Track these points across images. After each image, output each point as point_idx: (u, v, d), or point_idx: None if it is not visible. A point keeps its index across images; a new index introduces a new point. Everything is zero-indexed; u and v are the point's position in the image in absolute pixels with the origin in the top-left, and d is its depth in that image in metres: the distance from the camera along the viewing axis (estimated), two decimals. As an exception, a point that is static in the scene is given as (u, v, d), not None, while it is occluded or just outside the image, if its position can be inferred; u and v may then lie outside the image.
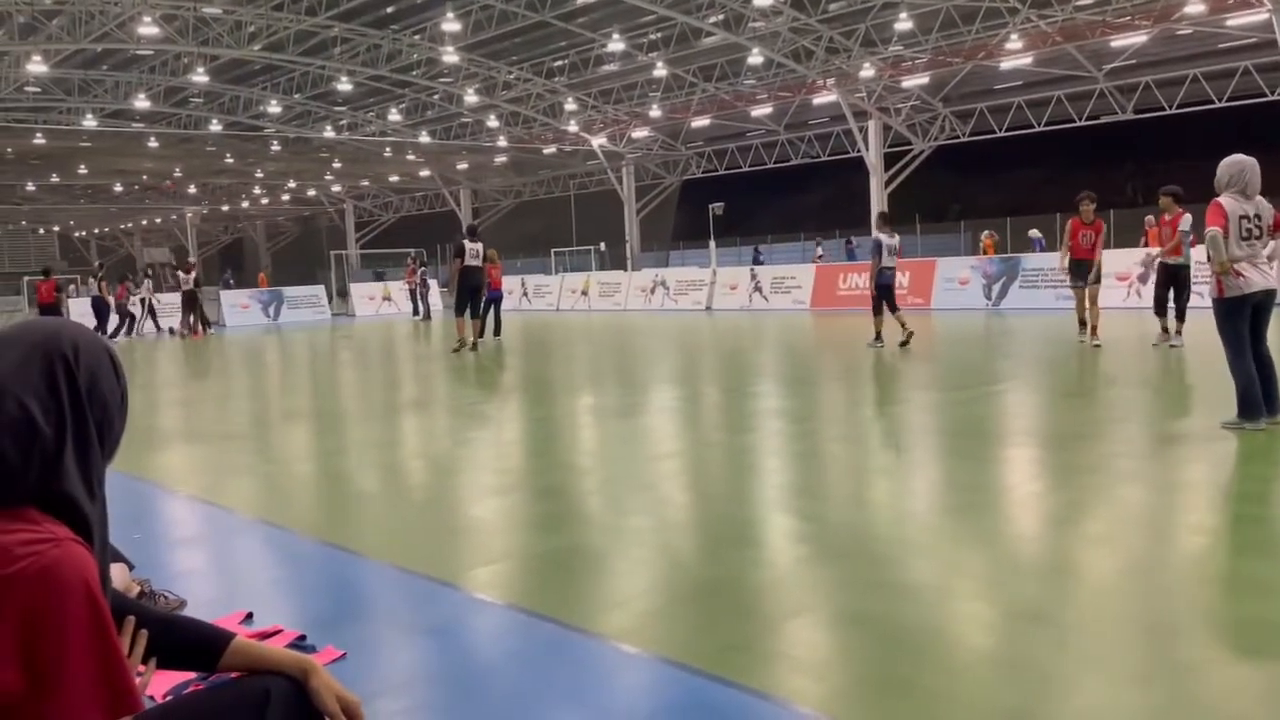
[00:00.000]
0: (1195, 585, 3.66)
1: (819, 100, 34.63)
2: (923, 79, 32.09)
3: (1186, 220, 10.81)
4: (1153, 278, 12.01)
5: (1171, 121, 31.49)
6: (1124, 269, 17.92)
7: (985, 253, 24.50)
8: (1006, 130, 34.19)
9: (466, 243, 15.89)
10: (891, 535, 4.47)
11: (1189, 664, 2.96)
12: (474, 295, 15.69)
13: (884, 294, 12.77)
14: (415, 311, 28.60)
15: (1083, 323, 11.73)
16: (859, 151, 34.61)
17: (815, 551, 4.30)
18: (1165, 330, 11.13)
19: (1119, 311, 16.99)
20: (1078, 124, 32.83)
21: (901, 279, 21.77)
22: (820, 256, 33.18)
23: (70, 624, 1.26)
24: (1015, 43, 28.18)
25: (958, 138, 35.50)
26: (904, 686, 2.85)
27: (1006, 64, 29.87)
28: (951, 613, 3.46)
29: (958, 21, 27.89)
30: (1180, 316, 11.14)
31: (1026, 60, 29.45)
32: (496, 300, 17.64)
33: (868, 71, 31.12)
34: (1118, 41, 28.13)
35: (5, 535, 1.28)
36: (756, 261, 29.37)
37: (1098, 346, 11.15)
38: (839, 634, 3.35)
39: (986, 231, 30.14)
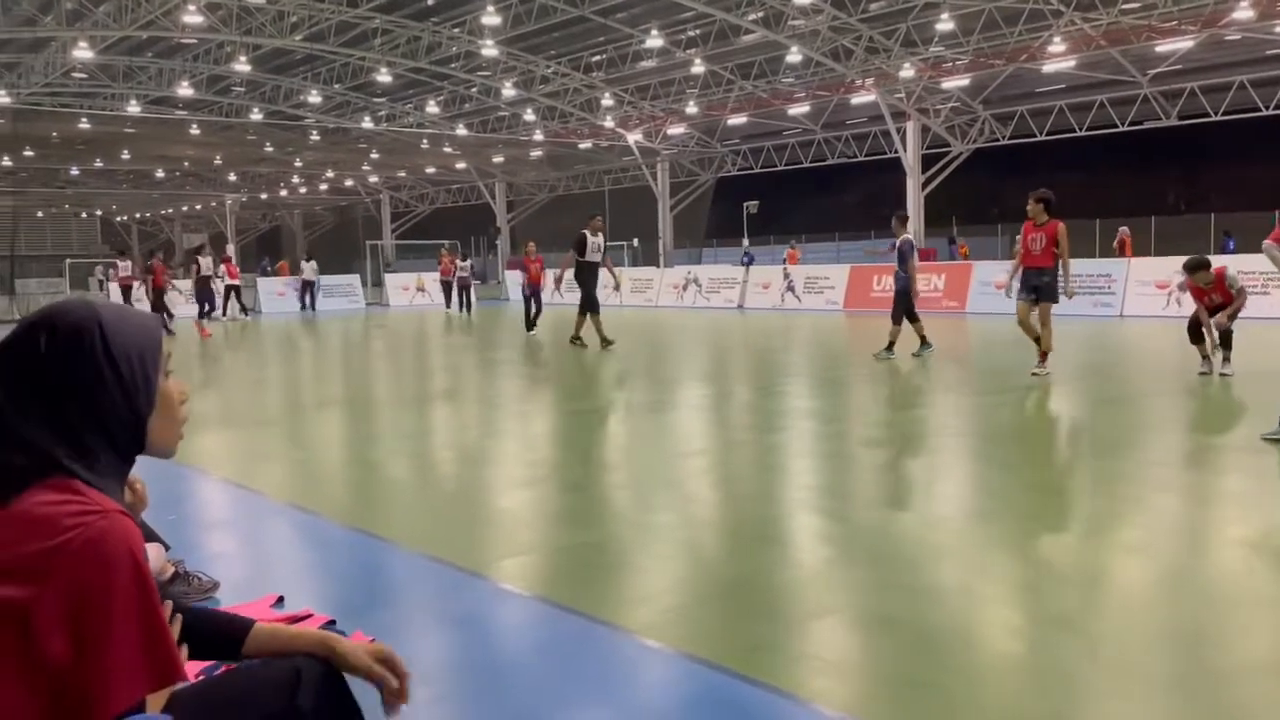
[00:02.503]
0: (1230, 597, 3.61)
1: (857, 100, 34.42)
2: (963, 80, 31.80)
3: (1232, 274, 9.34)
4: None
5: (1216, 128, 31.01)
6: (1163, 277, 17.70)
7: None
8: (1047, 134, 33.81)
9: (589, 235, 14.64)
10: (920, 538, 4.44)
11: (1221, 675, 2.92)
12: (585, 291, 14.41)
13: (907, 300, 12.03)
14: (448, 304, 27.86)
15: (1039, 343, 9.85)
16: (896, 152, 34.36)
17: (843, 552, 4.28)
18: (1206, 358, 9.49)
19: (1155, 320, 16.78)
20: (1120, 129, 32.41)
21: (937, 281, 21.70)
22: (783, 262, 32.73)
23: (116, 595, 1.28)
24: (1058, 45, 27.85)
25: (997, 140, 35.15)
26: (930, 690, 2.84)
27: (1049, 67, 29.53)
28: (980, 618, 3.43)
29: (1000, 23, 27.61)
30: (1226, 343, 9.37)
31: (1069, 64, 29.09)
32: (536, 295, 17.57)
33: (907, 72, 30.89)
34: (1163, 46, 27.72)
35: (54, 506, 1.31)
36: (743, 263, 28.82)
37: (1035, 375, 9.58)
38: (865, 636, 3.33)
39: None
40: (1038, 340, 9.87)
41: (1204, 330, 9.53)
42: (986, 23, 27.70)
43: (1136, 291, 18.33)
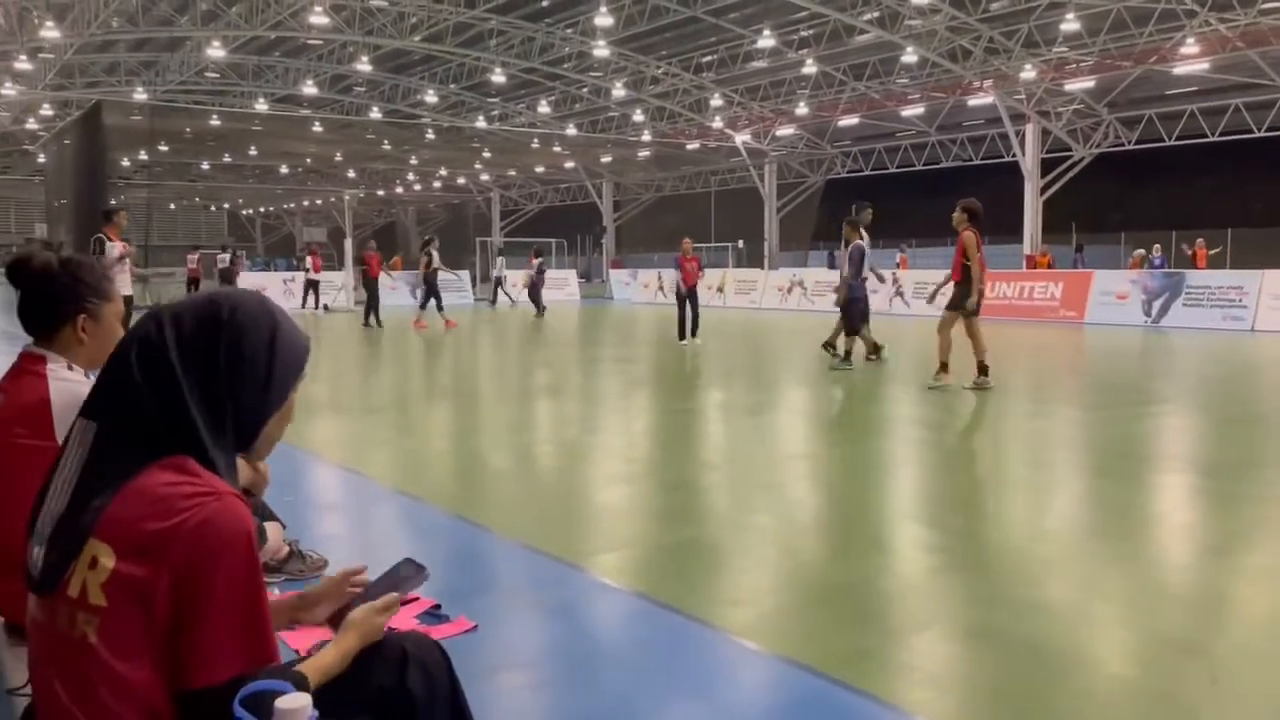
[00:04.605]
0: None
1: (974, 102, 33.50)
2: (1088, 83, 30.63)
3: None
4: None
5: (1362, 135, 29.20)
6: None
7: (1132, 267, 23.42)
8: (1176, 139, 32.34)
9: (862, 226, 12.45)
10: (1030, 552, 4.30)
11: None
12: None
13: (862, 307, 11.66)
14: (537, 306, 24.18)
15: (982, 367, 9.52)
16: (1014, 156, 33.35)
17: (948, 562, 4.18)
18: None
19: (1292, 335, 15.92)
20: (1256, 135, 30.76)
21: (1054, 290, 20.98)
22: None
23: (221, 575, 1.33)
24: (1191, 47, 26.58)
25: (1122, 145, 33.79)
26: (1038, 709, 2.75)
27: (1180, 69, 28.23)
28: (1092, 637, 3.31)
29: (1129, 23, 26.51)
30: None
31: (1203, 66, 27.75)
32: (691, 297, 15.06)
33: (1028, 73, 29.92)
34: (1306, 48, 26.23)
35: (169, 487, 1.36)
36: (831, 265, 28.07)
37: (932, 388, 9.39)
38: (971, 649, 3.25)
39: (1137, 251, 28.80)
40: (979, 354, 9.58)
41: None
42: (1114, 23, 26.65)
43: (1270, 305, 17.39)
